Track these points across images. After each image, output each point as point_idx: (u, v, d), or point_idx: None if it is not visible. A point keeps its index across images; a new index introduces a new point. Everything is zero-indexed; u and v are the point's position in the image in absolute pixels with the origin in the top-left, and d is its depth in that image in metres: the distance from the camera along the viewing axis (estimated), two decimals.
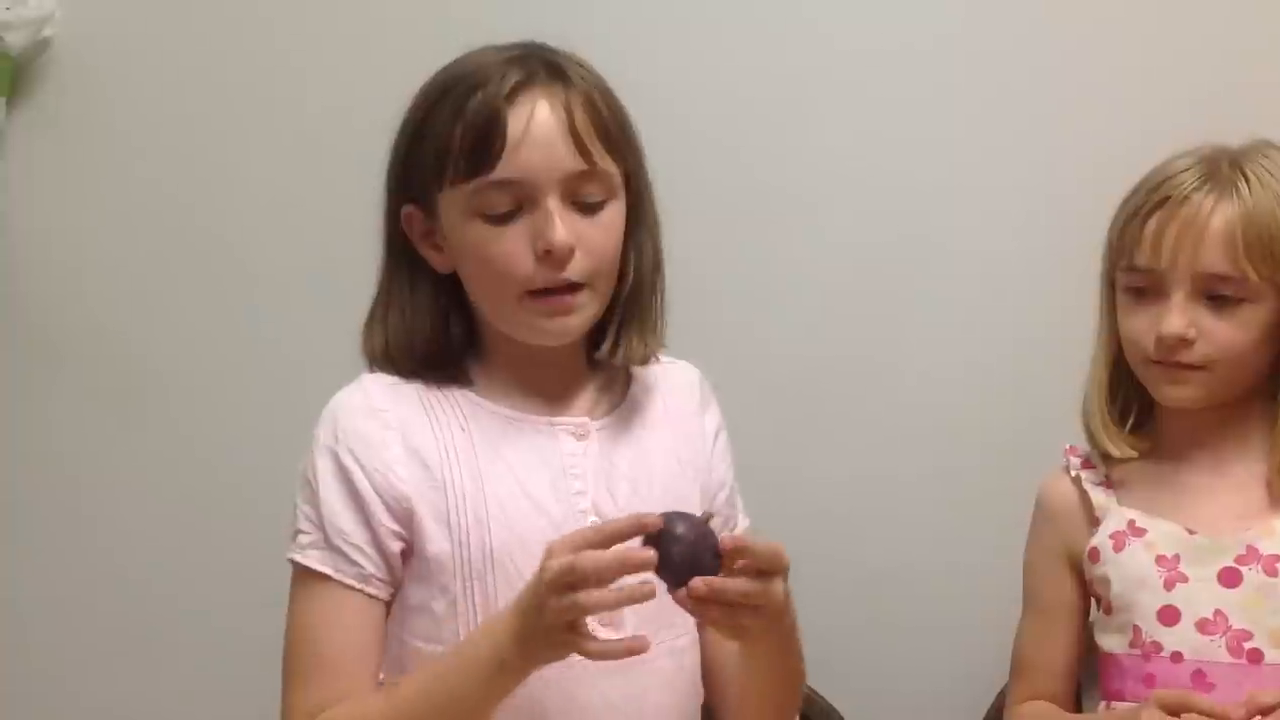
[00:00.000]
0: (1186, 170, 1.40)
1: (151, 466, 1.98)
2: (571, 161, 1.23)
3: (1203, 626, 1.40)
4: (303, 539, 1.26)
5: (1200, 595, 1.40)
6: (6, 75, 1.97)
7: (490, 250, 1.23)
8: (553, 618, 1.10)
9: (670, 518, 1.13)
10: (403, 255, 1.31)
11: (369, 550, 1.25)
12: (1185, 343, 1.39)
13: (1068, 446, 1.53)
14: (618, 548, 1.11)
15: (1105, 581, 1.45)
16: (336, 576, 1.25)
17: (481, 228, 1.23)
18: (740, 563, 1.13)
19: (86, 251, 1.99)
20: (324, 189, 1.93)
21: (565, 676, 1.23)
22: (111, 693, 1.97)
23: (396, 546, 1.26)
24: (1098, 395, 1.48)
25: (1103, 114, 1.84)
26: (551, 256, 1.22)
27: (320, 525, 1.25)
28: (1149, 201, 1.40)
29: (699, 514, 1.18)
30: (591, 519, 1.27)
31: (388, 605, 1.28)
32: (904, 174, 1.88)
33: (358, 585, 1.25)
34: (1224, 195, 1.38)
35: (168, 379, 1.98)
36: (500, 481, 1.27)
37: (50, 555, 1.99)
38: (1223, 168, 1.40)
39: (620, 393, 1.36)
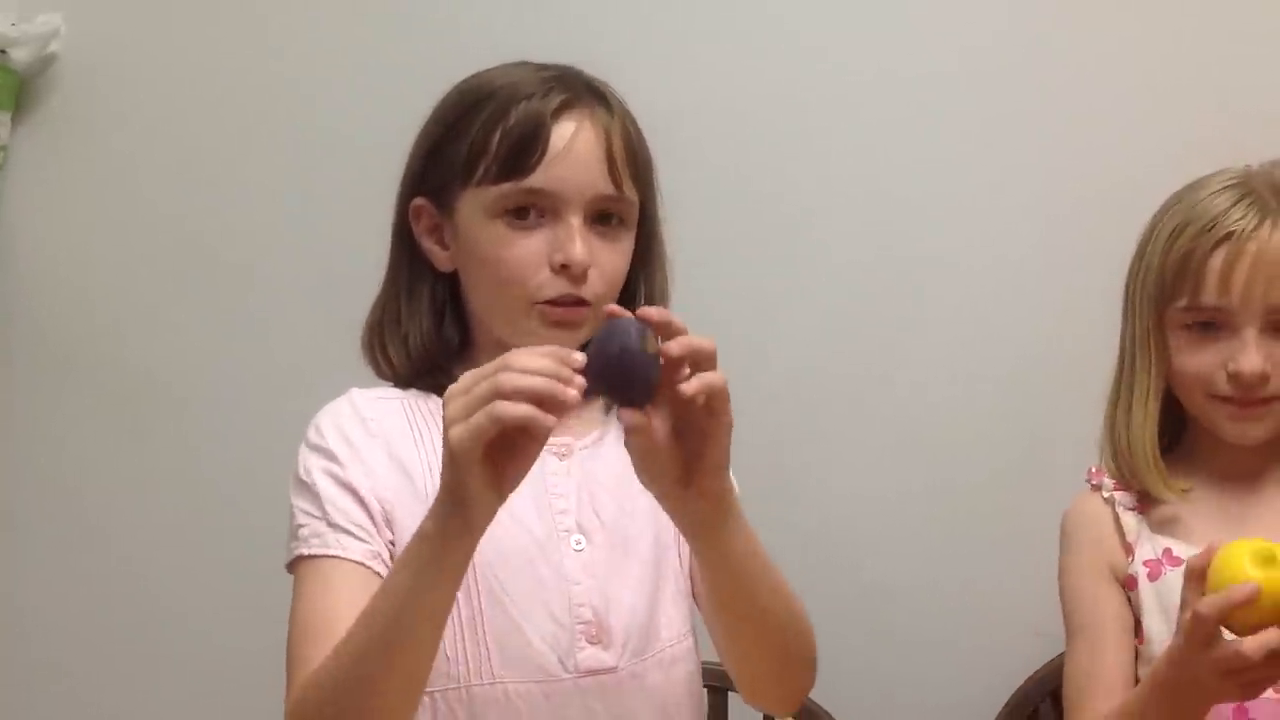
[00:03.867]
0: (1238, 204, 1.37)
1: (155, 476, 1.99)
2: (602, 184, 1.25)
3: None
4: (302, 532, 1.23)
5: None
6: (12, 90, 1.99)
7: (506, 253, 1.24)
8: (446, 424, 1.02)
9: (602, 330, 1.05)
10: (405, 249, 1.31)
11: (371, 531, 1.22)
12: (1264, 379, 1.36)
13: (1093, 469, 1.48)
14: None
15: (1139, 609, 1.41)
16: (344, 555, 1.21)
17: (502, 230, 1.24)
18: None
19: (91, 264, 2.01)
20: (326, 201, 1.95)
21: (553, 693, 1.21)
22: (114, 700, 1.98)
23: (388, 537, 1.23)
24: (1147, 436, 1.42)
25: (1107, 129, 1.85)
26: (568, 271, 1.23)
27: (322, 512, 1.22)
28: (1206, 239, 1.37)
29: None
30: (575, 538, 1.26)
31: None
32: (904, 190, 1.89)
33: (366, 561, 1.21)
34: None
35: (171, 390, 2.00)
36: None
37: (53, 564, 2.01)
38: (1269, 198, 1.37)
39: (605, 411, 1.33)
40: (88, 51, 2.00)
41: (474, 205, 1.25)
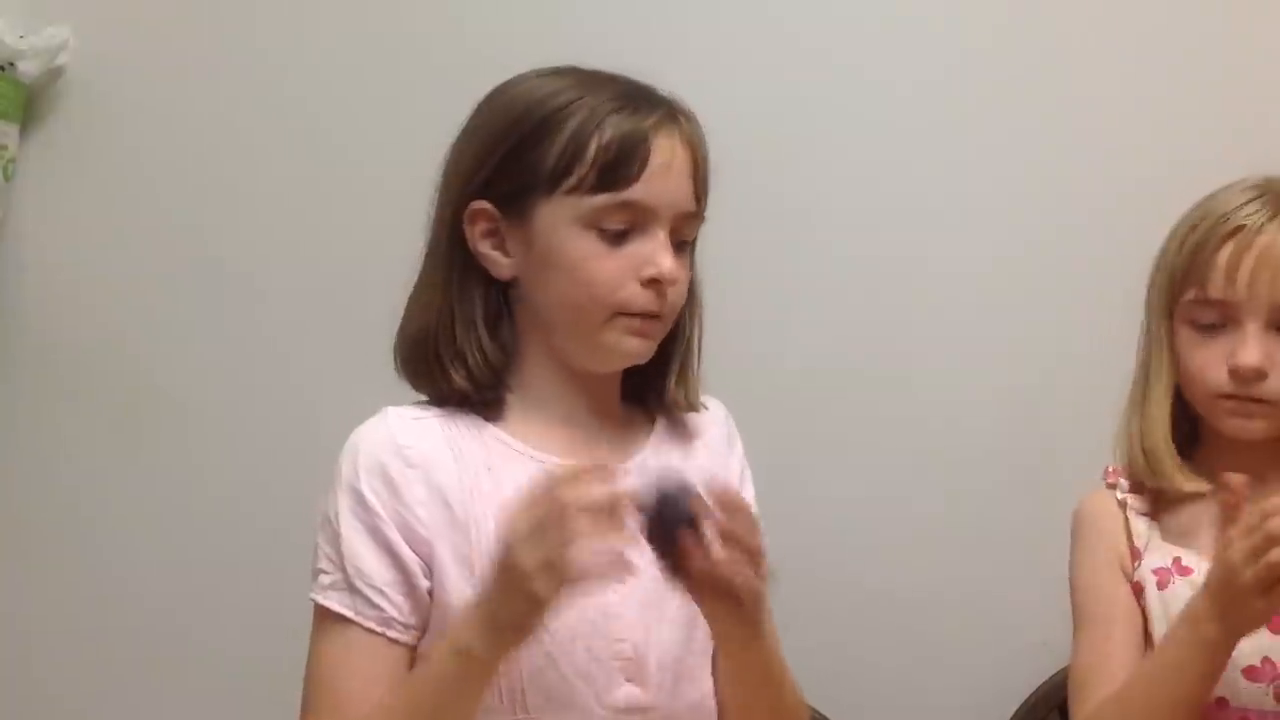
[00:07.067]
0: (1252, 201, 1.37)
1: (159, 487, 1.98)
2: (686, 201, 1.26)
3: (1250, 673, 1.34)
4: (324, 579, 1.22)
5: (1246, 642, 1.33)
6: (20, 102, 1.99)
7: (595, 265, 1.22)
8: (525, 574, 1.07)
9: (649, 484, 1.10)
10: (457, 256, 1.27)
11: (391, 593, 1.21)
12: (1261, 375, 1.35)
13: (1110, 468, 1.47)
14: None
15: (1147, 618, 1.40)
16: (357, 619, 1.21)
17: (593, 242, 1.22)
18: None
19: (98, 275, 2.01)
20: (333, 214, 1.95)
21: None
22: (116, 712, 1.97)
23: (426, 584, 1.22)
24: (1161, 430, 1.42)
25: (1124, 135, 1.85)
26: (658, 285, 1.23)
27: (341, 566, 1.21)
28: (1218, 232, 1.37)
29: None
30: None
31: (413, 649, 1.23)
32: (917, 195, 1.89)
33: (378, 629, 1.21)
34: None
35: (177, 401, 1.99)
36: None
37: (55, 575, 2.00)
38: None
39: (644, 436, 1.33)
40: (96, 64, 1.99)
41: (559, 213, 1.22)
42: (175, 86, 1.99)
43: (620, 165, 1.21)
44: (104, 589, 1.98)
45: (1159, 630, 1.39)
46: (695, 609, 1.26)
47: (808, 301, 1.91)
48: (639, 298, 1.23)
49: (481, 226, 1.25)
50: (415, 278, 1.29)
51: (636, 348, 1.25)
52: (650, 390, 1.32)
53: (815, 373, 1.89)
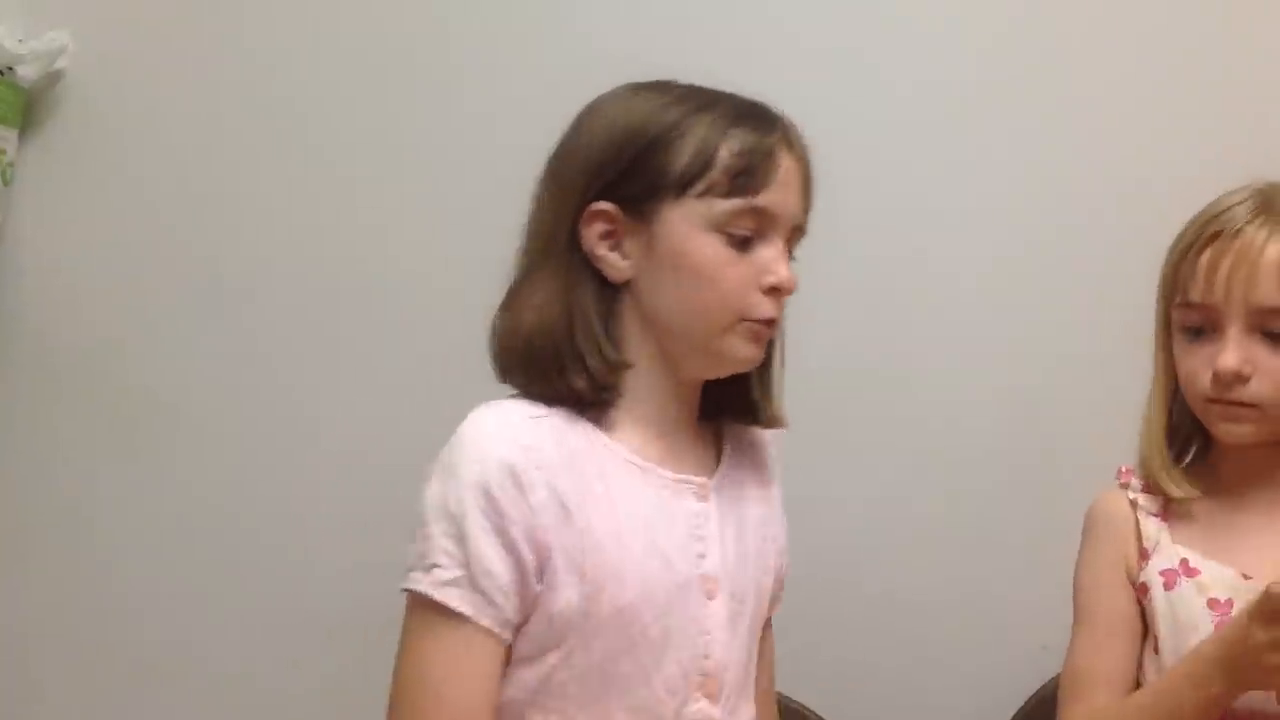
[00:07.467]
0: (1239, 205, 1.37)
1: (156, 493, 1.98)
2: (799, 215, 1.30)
3: None
4: (441, 574, 1.18)
5: None
6: (18, 107, 1.99)
7: (728, 269, 1.25)
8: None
9: None
10: (572, 257, 1.27)
11: (512, 594, 1.19)
12: (1241, 379, 1.35)
13: (1123, 468, 1.47)
14: None
15: (1153, 619, 1.40)
16: (477, 619, 1.18)
17: (720, 245, 1.25)
18: None
19: (96, 279, 2.01)
20: (330, 218, 1.95)
21: None
22: (104, 714, 1.97)
23: (537, 588, 1.20)
24: (1156, 435, 1.43)
25: (1128, 138, 1.85)
26: (777, 293, 1.27)
27: (465, 563, 1.18)
28: (1201, 236, 1.38)
29: None
30: (709, 586, 1.26)
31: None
32: (920, 196, 1.89)
33: (496, 630, 1.19)
34: (1276, 228, 1.35)
35: (174, 407, 1.99)
36: (636, 536, 1.23)
37: (51, 580, 1.99)
38: (1276, 201, 1.37)
39: (716, 451, 1.35)
40: (95, 68, 1.99)
41: (687, 216, 1.24)
42: (173, 91, 2.00)
43: (751, 172, 1.24)
44: (99, 591, 1.98)
45: (1163, 631, 1.39)
46: (758, 629, 1.32)
47: (806, 301, 1.89)
48: (762, 304, 1.26)
49: (599, 228, 1.26)
50: (516, 276, 1.30)
51: (753, 354, 1.28)
52: (735, 404, 1.35)
53: (814, 373, 1.88)
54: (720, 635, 1.26)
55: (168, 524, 1.97)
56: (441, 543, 1.18)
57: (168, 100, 2.00)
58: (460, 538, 1.18)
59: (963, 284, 1.88)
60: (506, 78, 1.94)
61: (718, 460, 1.34)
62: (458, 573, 1.18)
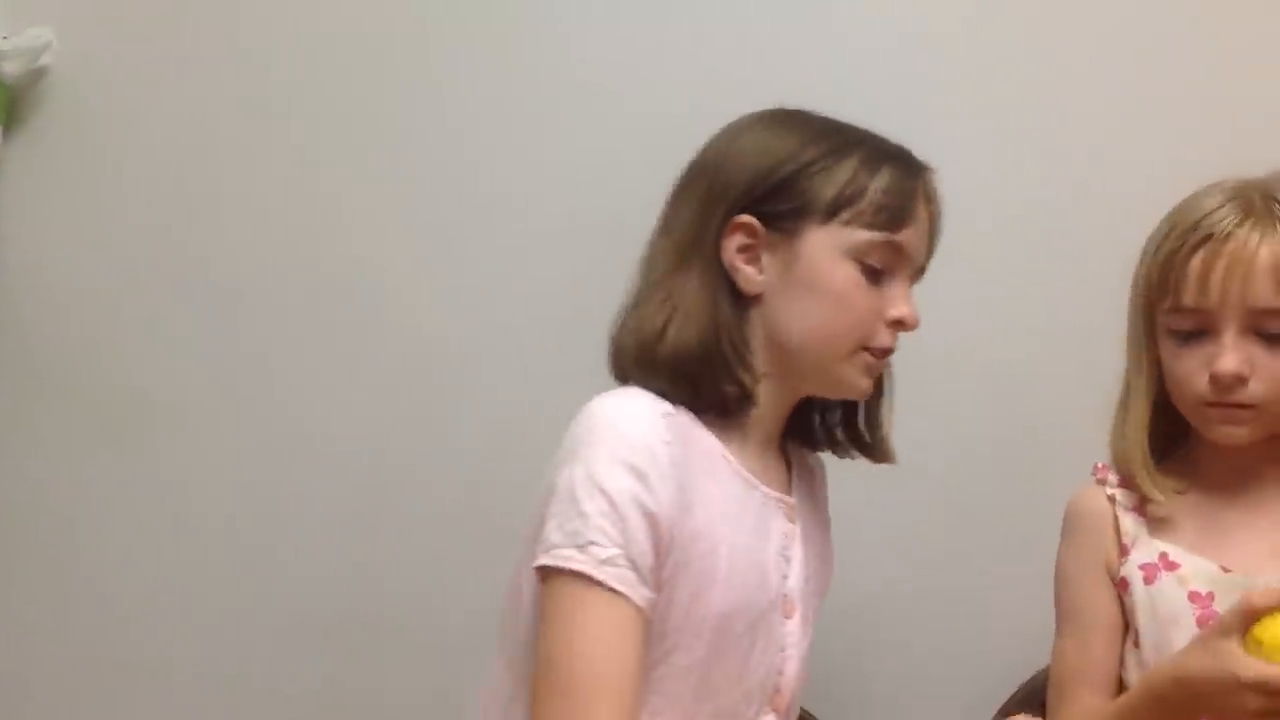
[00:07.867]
0: (1221, 207, 1.37)
1: (143, 491, 1.97)
2: (924, 258, 1.36)
3: None
4: (598, 552, 1.18)
5: None
6: (2, 104, 1.98)
7: (856, 296, 1.29)
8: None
9: None
10: (709, 264, 1.30)
11: (651, 575, 1.20)
12: (1241, 380, 1.36)
13: (1099, 464, 1.48)
14: None
15: (1133, 613, 1.41)
16: (632, 596, 1.19)
17: (856, 273, 1.29)
18: None
19: (81, 277, 1.99)
20: (317, 215, 1.95)
21: None
22: (93, 713, 1.96)
23: (664, 576, 1.22)
24: (1139, 437, 1.44)
25: (1112, 132, 1.85)
26: (900, 326, 1.32)
27: (622, 543, 1.18)
28: (1189, 240, 1.37)
29: None
30: (790, 604, 1.32)
31: None
32: None
33: (646, 609, 1.20)
34: (1267, 229, 1.35)
35: (162, 404, 1.98)
36: (741, 546, 1.27)
37: (37, 576, 1.99)
38: (1257, 202, 1.37)
39: (786, 471, 1.39)
40: (79, 65, 1.98)
41: (830, 241, 1.28)
42: (158, 87, 1.99)
43: (895, 210, 1.29)
44: (88, 591, 1.97)
45: (1144, 625, 1.40)
46: (810, 645, 1.35)
47: None
48: (884, 336, 1.31)
49: (738, 240, 1.29)
50: (648, 276, 1.31)
51: (866, 386, 1.33)
52: (822, 431, 1.40)
53: None
54: (793, 653, 1.31)
55: (157, 523, 1.96)
56: (598, 521, 1.18)
57: (152, 96, 1.99)
58: (617, 517, 1.19)
59: (955, 283, 1.85)
60: (495, 78, 1.94)
61: (788, 481, 1.38)
62: (614, 551, 1.18)
